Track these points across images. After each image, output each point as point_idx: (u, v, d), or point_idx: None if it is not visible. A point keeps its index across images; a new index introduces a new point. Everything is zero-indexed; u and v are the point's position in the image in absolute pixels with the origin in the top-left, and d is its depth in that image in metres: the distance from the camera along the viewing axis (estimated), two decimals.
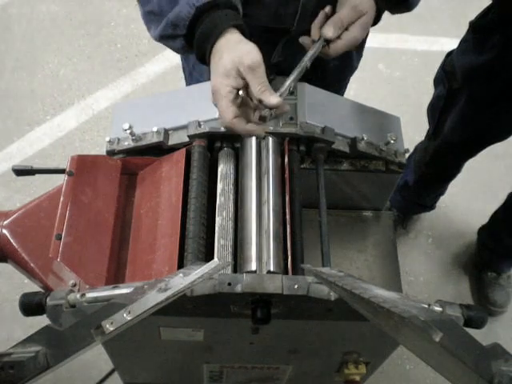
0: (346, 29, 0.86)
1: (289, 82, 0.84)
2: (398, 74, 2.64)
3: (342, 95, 1.24)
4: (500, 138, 1.53)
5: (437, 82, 1.52)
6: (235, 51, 0.75)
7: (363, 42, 1.14)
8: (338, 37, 0.87)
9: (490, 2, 1.25)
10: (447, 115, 1.50)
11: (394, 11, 0.98)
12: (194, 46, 0.81)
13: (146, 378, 1.25)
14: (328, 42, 0.87)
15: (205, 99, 0.98)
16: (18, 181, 2.12)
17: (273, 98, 0.75)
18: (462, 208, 2.22)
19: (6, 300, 1.89)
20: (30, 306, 0.78)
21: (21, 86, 2.47)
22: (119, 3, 2.78)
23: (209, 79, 1.11)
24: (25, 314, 0.79)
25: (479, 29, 1.31)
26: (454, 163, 1.73)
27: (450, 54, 1.45)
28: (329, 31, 0.84)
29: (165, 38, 0.84)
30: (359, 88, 2.37)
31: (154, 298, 0.58)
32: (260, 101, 0.76)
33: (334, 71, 1.13)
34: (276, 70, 0.98)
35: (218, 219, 0.90)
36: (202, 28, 0.78)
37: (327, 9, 0.88)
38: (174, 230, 0.87)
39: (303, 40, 0.91)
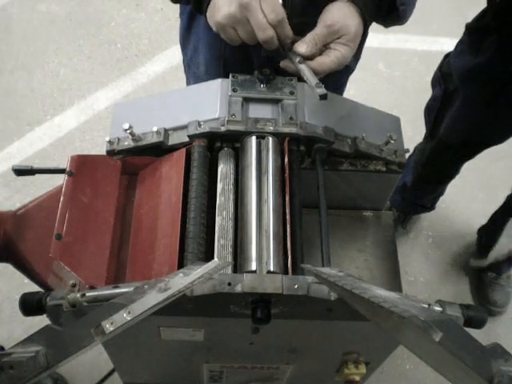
0: (331, 47, 0.86)
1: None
2: (397, 73, 2.64)
3: (341, 95, 1.24)
4: (496, 141, 1.53)
5: (434, 83, 1.52)
6: None
7: (361, 46, 1.14)
8: (324, 54, 0.86)
9: (486, 5, 1.26)
10: (443, 116, 1.51)
11: (386, 25, 0.99)
12: None
13: (145, 378, 1.25)
14: (307, 59, 0.86)
15: (205, 99, 0.98)
16: (18, 181, 2.12)
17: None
18: (462, 208, 2.22)
19: (6, 300, 1.89)
20: (30, 305, 0.78)
21: (21, 86, 2.47)
22: (119, 3, 2.79)
23: (205, 72, 1.10)
24: (25, 313, 0.79)
25: (475, 31, 1.31)
26: (450, 165, 1.73)
27: (447, 55, 1.45)
28: (301, 47, 0.85)
29: None
30: (359, 88, 2.37)
31: (154, 297, 0.58)
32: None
33: (330, 74, 1.14)
34: (276, 71, 0.98)
35: (218, 219, 0.90)
36: None
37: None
38: (174, 230, 0.87)
39: (284, 63, 0.90)
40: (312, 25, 0.87)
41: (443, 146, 1.59)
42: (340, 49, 0.86)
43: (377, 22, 0.97)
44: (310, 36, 0.86)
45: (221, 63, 1.11)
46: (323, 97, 0.83)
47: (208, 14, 0.87)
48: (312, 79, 0.83)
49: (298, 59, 0.86)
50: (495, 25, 1.22)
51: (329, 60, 0.86)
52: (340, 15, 0.85)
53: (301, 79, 0.92)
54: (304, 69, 0.85)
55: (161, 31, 2.70)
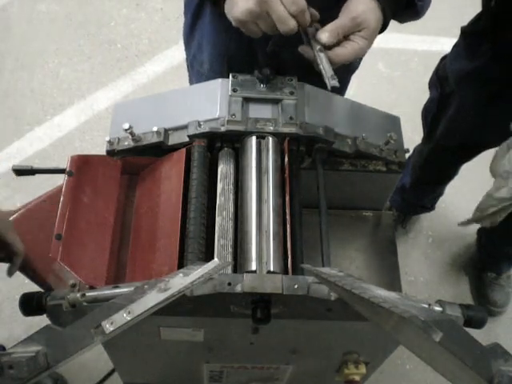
0: (350, 39, 0.87)
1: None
2: (397, 73, 2.64)
3: (343, 95, 1.24)
4: (493, 143, 1.52)
5: (430, 85, 1.53)
6: None
7: None
8: (342, 45, 0.87)
9: (481, 9, 1.26)
10: (439, 119, 1.51)
11: (402, 20, 0.99)
12: None
13: (145, 378, 1.25)
14: (327, 49, 0.87)
15: (205, 99, 0.98)
16: (18, 181, 2.11)
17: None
18: (462, 208, 2.21)
19: (6, 300, 1.89)
20: (30, 305, 0.78)
21: (21, 86, 2.47)
22: (119, 3, 2.78)
23: (208, 69, 1.08)
24: (25, 314, 0.79)
25: (470, 35, 1.31)
26: (447, 167, 1.73)
27: (444, 58, 1.45)
28: (323, 36, 0.86)
29: None
30: (359, 88, 2.36)
31: (154, 297, 0.58)
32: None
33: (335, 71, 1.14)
34: (276, 70, 0.98)
35: (218, 219, 0.90)
36: None
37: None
38: (174, 230, 0.87)
39: (302, 49, 0.90)
40: (326, 20, 0.88)
41: (441, 148, 1.59)
42: (358, 41, 0.87)
43: (393, 19, 0.98)
44: (332, 26, 0.86)
45: (225, 60, 1.11)
46: (335, 89, 0.85)
47: (226, 8, 0.86)
48: (328, 70, 0.85)
49: (318, 47, 0.87)
50: (491, 28, 1.22)
51: (346, 52, 0.87)
52: (364, 8, 0.86)
53: (304, 75, 0.92)
54: (323, 58, 0.86)
55: (161, 31, 2.69)
